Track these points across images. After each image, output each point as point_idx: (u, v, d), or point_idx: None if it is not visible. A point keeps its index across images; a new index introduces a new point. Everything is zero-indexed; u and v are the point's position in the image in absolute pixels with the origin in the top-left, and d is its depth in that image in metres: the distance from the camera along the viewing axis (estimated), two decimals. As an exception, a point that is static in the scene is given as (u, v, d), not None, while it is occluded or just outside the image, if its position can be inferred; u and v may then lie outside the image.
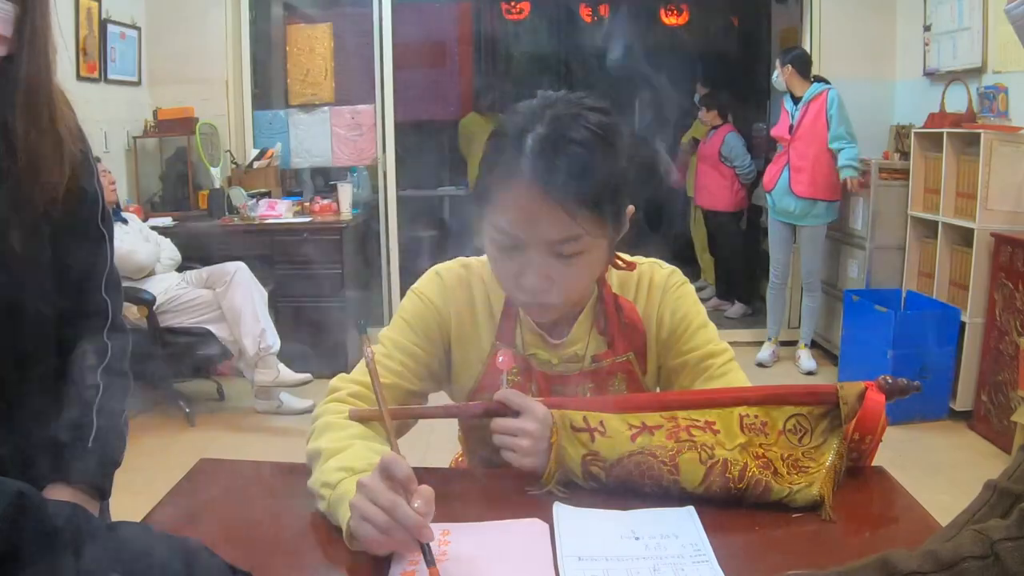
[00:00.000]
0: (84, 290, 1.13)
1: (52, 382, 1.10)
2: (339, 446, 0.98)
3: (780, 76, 4.08)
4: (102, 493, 1.10)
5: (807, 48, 4.53)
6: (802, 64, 4.03)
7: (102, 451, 1.09)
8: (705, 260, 5.98)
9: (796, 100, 4.08)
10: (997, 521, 0.64)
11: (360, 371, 1.13)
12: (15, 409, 1.04)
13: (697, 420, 0.99)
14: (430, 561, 0.79)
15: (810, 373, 4.16)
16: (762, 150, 5.64)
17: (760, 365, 4.36)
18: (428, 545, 0.79)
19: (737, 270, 5.57)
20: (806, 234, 4.15)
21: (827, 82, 3.99)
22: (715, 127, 5.23)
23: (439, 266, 1.20)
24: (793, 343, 4.50)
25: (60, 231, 1.08)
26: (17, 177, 1.00)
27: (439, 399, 1.22)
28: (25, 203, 1.01)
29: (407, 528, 0.79)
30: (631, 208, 1.05)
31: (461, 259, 1.20)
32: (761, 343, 4.58)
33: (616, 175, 0.98)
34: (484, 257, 1.10)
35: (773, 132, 4.24)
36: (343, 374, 1.14)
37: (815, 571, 0.67)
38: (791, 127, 4.08)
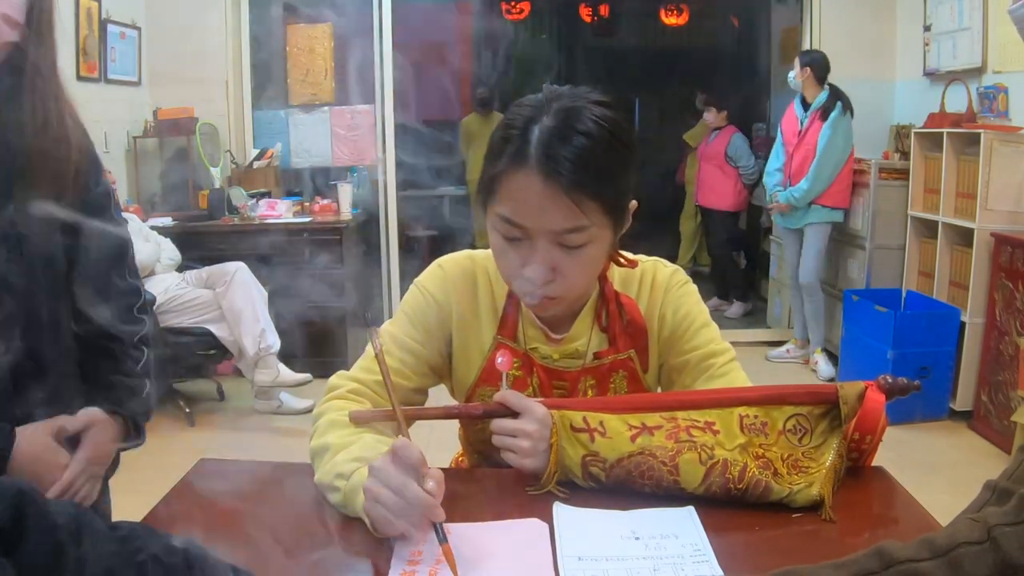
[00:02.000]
0: (113, 274, 1.18)
1: (101, 352, 1.17)
2: (348, 440, 0.99)
3: (797, 77, 4.04)
4: (139, 432, 1.20)
5: (807, 48, 4.53)
6: (820, 69, 3.99)
7: (147, 403, 1.19)
8: (687, 251, 6.29)
9: (806, 105, 4.07)
10: (994, 508, 0.64)
11: (359, 368, 1.14)
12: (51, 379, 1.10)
13: (697, 420, 0.99)
14: (442, 539, 0.82)
15: (831, 380, 4.06)
16: (761, 150, 5.66)
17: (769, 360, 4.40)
18: (440, 524, 0.83)
19: (736, 270, 5.59)
20: (806, 236, 4.14)
21: (838, 93, 3.96)
22: (718, 128, 5.24)
23: (443, 258, 1.20)
24: (782, 342, 4.53)
25: (83, 219, 1.12)
26: (31, 161, 1.02)
27: (439, 393, 1.22)
28: (39, 187, 1.04)
29: (418, 508, 0.82)
30: (634, 203, 1.05)
31: (467, 251, 1.21)
32: (762, 343, 4.62)
33: (621, 167, 0.99)
34: (490, 251, 1.11)
35: (784, 132, 4.19)
36: (342, 371, 1.14)
37: (810, 566, 0.66)
38: (799, 132, 4.06)
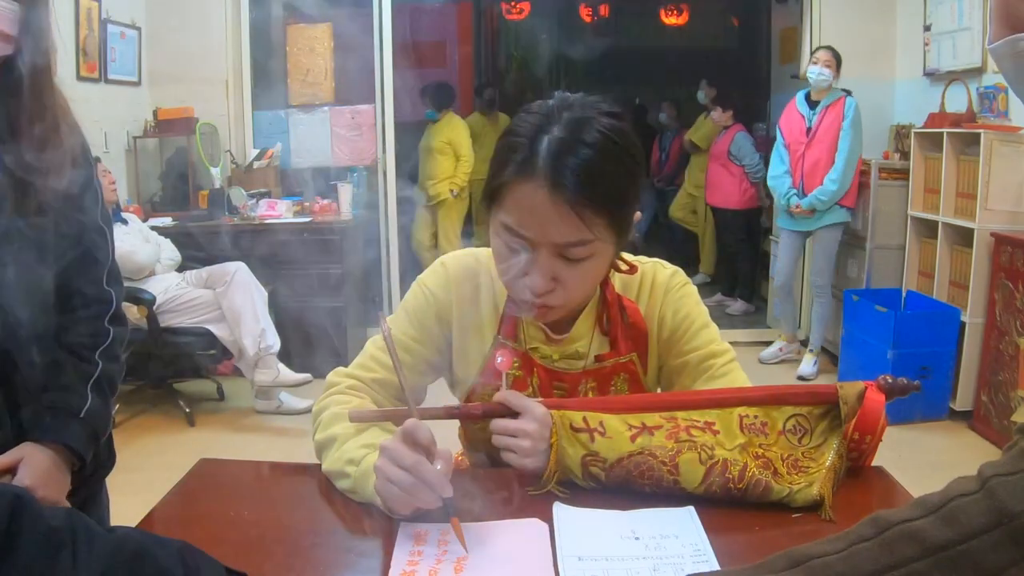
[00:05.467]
0: (87, 282, 1.16)
1: (52, 362, 1.13)
2: (355, 431, 1.01)
3: (827, 67, 3.91)
4: (82, 460, 1.13)
5: (807, 48, 4.53)
6: (839, 64, 3.94)
7: (91, 423, 1.13)
8: (706, 254, 6.19)
9: (810, 103, 4.02)
10: (990, 461, 0.62)
11: (357, 365, 1.15)
12: (17, 381, 1.09)
13: (697, 420, 0.99)
14: (452, 512, 0.86)
15: (804, 379, 4.06)
16: (761, 149, 5.65)
17: (761, 362, 4.39)
18: (450, 499, 0.87)
19: (743, 268, 5.60)
20: (818, 237, 4.09)
21: (848, 92, 3.94)
22: (726, 127, 5.24)
23: (446, 256, 1.20)
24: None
25: (64, 226, 1.11)
26: (22, 173, 1.02)
27: (440, 392, 1.22)
28: (30, 198, 1.04)
29: (430, 486, 0.85)
30: (637, 214, 1.05)
31: (471, 249, 1.21)
32: (762, 343, 4.60)
33: (629, 181, 0.98)
34: None
35: (785, 133, 4.11)
36: (340, 367, 1.15)
37: (809, 544, 0.66)
38: (808, 130, 3.99)
